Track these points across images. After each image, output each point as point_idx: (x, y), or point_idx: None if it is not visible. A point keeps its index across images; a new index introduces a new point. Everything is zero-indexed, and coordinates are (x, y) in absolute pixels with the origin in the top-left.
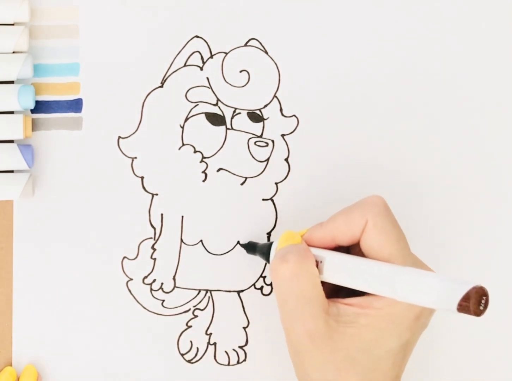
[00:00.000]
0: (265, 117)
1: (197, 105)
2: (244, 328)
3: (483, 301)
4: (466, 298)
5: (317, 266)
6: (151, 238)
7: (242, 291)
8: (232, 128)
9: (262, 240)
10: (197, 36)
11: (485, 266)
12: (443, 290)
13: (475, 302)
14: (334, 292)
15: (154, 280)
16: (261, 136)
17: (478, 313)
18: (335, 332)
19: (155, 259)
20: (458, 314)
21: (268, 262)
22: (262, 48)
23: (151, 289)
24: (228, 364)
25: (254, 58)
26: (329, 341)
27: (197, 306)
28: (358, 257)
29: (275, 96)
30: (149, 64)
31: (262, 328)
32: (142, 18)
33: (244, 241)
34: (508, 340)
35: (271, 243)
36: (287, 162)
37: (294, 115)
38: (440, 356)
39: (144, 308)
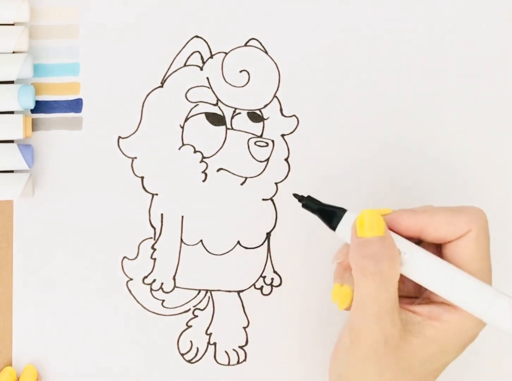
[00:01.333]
0: (265, 117)
1: (197, 105)
2: (244, 328)
3: None
4: None
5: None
6: (151, 238)
7: (242, 291)
8: (232, 128)
9: (261, 239)
10: (197, 36)
11: None
12: None
13: None
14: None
15: (154, 280)
16: (261, 136)
17: None
18: (403, 341)
19: (155, 259)
20: None
21: (330, 226)
22: (262, 48)
23: (151, 289)
24: (228, 364)
25: (254, 58)
26: (398, 350)
27: (197, 306)
28: (450, 264)
29: (275, 96)
30: (149, 64)
31: (262, 328)
32: (142, 18)
33: (244, 241)
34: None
35: (345, 211)
36: (287, 162)
37: (294, 115)
38: None
39: (144, 308)
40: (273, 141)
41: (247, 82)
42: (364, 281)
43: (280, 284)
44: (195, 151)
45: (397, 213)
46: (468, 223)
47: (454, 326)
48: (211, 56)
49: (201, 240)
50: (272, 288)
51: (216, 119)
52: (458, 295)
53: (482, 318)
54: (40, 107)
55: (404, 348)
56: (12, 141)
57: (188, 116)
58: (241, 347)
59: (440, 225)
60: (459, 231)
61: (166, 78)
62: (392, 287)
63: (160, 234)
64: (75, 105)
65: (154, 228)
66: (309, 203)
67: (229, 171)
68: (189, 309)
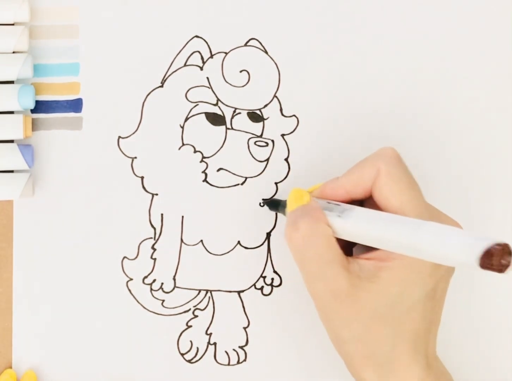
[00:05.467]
0: (265, 117)
1: (197, 105)
2: (245, 328)
3: (508, 259)
4: (489, 253)
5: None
6: (151, 238)
7: (242, 291)
8: (232, 128)
9: (261, 239)
10: (197, 36)
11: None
12: (467, 245)
13: (498, 258)
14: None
15: (154, 280)
16: (261, 136)
17: (502, 270)
18: (359, 290)
19: (155, 259)
20: (481, 271)
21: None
22: (262, 48)
23: (151, 289)
24: (228, 364)
25: (254, 58)
26: (355, 299)
27: (197, 306)
28: (375, 212)
29: (275, 96)
30: (149, 64)
31: (262, 328)
32: (142, 18)
33: (244, 241)
34: None
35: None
36: (287, 162)
37: (294, 115)
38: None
39: (144, 308)
40: (273, 141)
41: (247, 82)
42: (291, 247)
43: (280, 284)
44: (195, 151)
45: (324, 184)
46: (373, 165)
47: (404, 261)
48: (211, 56)
49: (201, 240)
50: (272, 288)
51: (216, 119)
52: (389, 245)
53: (420, 257)
54: (40, 107)
55: (364, 296)
56: (12, 141)
57: (188, 116)
58: (241, 347)
59: (354, 180)
60: (370, 176)
61: (166, 78)
62: (322, 245)
63: (160, 234)
64: (75, 105)
65: (154, 228)
66: (269, 203)
67: (229, 171)
68: (189, 309)
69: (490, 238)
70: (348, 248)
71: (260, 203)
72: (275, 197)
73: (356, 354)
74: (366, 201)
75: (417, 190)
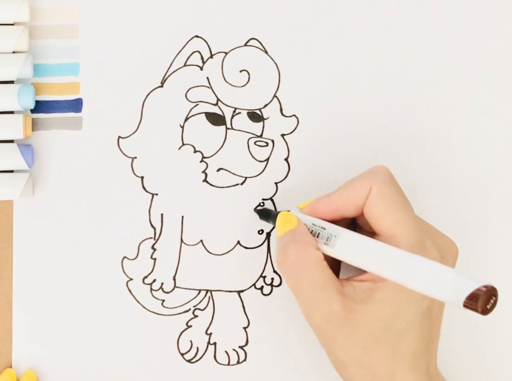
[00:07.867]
0: (265, 117)
1: (197, 105)
2: (244, 328)
3: (491, 301)
4: (474, 296)
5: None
6: (151, 238)
7: (242, 291)
8: (232, 128)
9: (261, 239)
10: (197, 36)
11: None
12: (452, 285)
13: (483, 301)
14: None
15: (154, 280)
16: (261, 136)
17: (485, 312)
18: (354, 313)
19: (155, 259)
20: (465, 310)
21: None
22: (262, 48)
23: (151, 289)
24: (228, 364)
25: (254, 58)
26: (350, 323)
27: (197, 306)
28: (362, 238)
29: (275, 96)
30: (149, 64)
31: (262, 328)
32: (142, 18)
33: (244, 241)
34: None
35: (277, 213)
36: (287, 162)
37: (294, 115)
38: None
39: (144, 308)
40: (273, 141)
41: (247, 82)
42: (283, 274)
43: (280, 284)
44: (195, 151)
45: (315, 201)
46: (366, 183)
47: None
48: (211, 56)
49: (201, 240)
50: (272, 288)
51: (216, 119)
52: (377, 267)
53: (404, 285)
54: (40, 107)
55: (359, 319)
56: (12, 141)
57: (188, 116)
58: (241, 347)
59: (346, 197)
60: (362, 194)
61: (166, 78)
62: (314, 270)
63: (160, 234)
64: (75, 105)
65: (154, 228)
66: (260, 211)
67: (229, 171)
68: (189, 309)
69: (476, 280)
70: (337, 264)
71: (256, 207)
72: (267, 207)
73: (357, 377)
74: (358, 219)
75: (409, 210)
